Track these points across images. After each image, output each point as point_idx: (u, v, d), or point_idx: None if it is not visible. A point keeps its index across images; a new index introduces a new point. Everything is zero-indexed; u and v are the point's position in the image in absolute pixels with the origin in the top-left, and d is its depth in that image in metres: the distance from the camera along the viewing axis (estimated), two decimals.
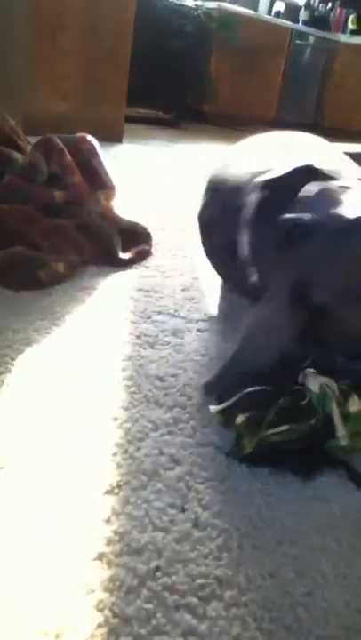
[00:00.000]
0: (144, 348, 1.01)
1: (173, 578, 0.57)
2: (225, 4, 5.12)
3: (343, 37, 6.45)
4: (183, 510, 0.66)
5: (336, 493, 0.73)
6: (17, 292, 1.14)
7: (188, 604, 0.55)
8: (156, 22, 4.06)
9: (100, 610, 0.53)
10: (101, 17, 3.07)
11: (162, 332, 1.08)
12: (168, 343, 1.04)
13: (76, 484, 0.67)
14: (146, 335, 1.06)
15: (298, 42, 5.95)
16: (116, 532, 0.61)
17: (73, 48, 3.02)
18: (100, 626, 0.51)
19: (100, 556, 0.58)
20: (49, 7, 2.85)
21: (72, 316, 1.08)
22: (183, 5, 4.36)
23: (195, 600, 0.55)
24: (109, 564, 0.57)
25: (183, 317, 1.16)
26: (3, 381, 0.84)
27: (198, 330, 1.11)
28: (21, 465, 0.68)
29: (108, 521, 0.63)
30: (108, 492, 0.67)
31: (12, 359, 0.90)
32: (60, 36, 2.94)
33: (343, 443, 0.75)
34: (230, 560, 0.60)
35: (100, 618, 0.52)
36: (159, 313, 1.16)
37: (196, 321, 1.15)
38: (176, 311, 1.18)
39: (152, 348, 1.02)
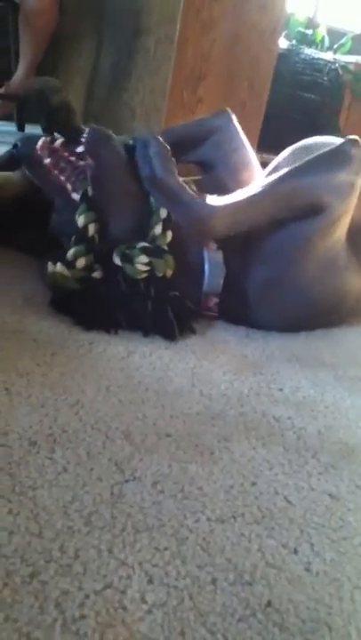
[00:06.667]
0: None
1: (284, 616, 0.58)
2: None
3: None
4: (295, 552, 0.66)
5: None
6: None
7: None
8: (292, 75, 4.17)
9: (213, 634, 0.54)
10: (239, 67, 3.22)
11: None
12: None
13: (190, 510, 0.70)
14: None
15: None
16: (229, 561, 0.63)
17: (209, 95, 3.18)
18: None
19: (214, 581, 0.60)
20: (193, 58, 3.03)
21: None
22: (320, 59, 4.45)
23: None
24: (223, 590, 0.59)
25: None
26: None
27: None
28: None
29: (222, 550, 0.64)
30: (223, 522, 0.69)
31: None
32: (200, 85, 3.11)
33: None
34: (342, 610, 0.60)
35: None
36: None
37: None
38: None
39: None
